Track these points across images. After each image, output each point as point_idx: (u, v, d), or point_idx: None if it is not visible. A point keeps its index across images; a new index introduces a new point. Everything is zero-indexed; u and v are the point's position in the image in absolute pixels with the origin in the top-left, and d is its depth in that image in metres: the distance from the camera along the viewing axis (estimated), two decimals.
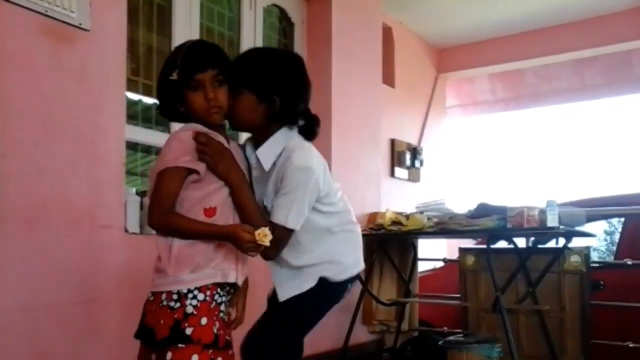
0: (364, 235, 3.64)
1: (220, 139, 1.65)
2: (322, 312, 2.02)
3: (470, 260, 3.71)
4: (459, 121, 6.33)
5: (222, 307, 1.63)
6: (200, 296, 1.56)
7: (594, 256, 3.78)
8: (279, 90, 1.76)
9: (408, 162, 5.01)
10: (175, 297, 1.55)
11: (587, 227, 3.19)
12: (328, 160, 3.83)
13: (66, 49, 2.25)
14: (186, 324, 1.52)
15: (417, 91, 5.35)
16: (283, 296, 1.91)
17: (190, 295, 1.55)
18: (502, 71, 5.76)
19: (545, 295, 3.39)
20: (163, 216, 1.57)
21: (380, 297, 3.85)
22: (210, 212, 1.60)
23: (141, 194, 2.83)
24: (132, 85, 2.87)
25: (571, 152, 6.04)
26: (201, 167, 1.58)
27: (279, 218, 1.73)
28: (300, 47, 3.99)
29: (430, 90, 5.58)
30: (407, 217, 3.47)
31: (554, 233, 3.05)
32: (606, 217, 3.72)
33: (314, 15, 4.02)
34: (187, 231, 1.56)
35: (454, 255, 4.03)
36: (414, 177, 5.11)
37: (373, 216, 4.04)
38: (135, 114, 2.98)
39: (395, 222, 3.46)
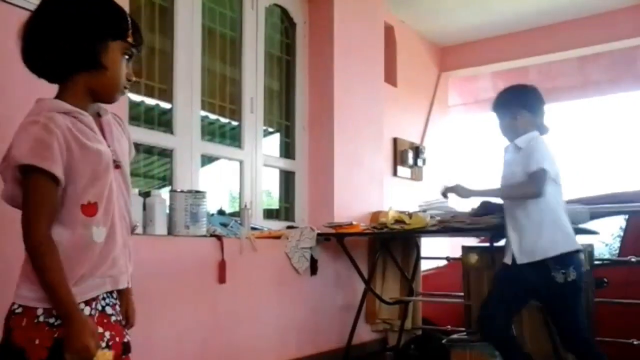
0: (366, 234, 3.69)
1: (89, 119, 1.32)
2: None
3: (473, 258, 3.70)
4: (462, 119, 6.32)
5: (113, 311, 1.40)
6: (87, 310, 1.31)
7: (606, 252, 3.78)
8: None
9: (411, 161, 5.01)
10: (54, 312, 1.27)
11: (600, 223, 3.20)
12: (330, 160, 3.91)
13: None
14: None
15: (419, 90, 5.35)
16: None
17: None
18: (505, 69, 5.75)
19: None
20: (40, 232, 1.26)
21: (384, 296, 3.86)
22: (88, 209, 1.30)
23: (144, 194, 2.84)
24: (134, 86, 2.88)
25: (575, 150, 6.02)
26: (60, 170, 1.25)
27: (537, 164, 2.55)
28: (302, 47, 4.00)
29: (432, 88, 5.58)
30: (410, 215, 3.47)
31: None
32: (610, 214, 3.70)
33: (315, 14, 4.03)
34: (44, 273, 1.25)
35: (457, 253, 4.03)
36: (416, 175, 5.11)
37: (376, 215, 4.04)
38: (138, 115, 2.99)
39: (398, 221, 3.47)
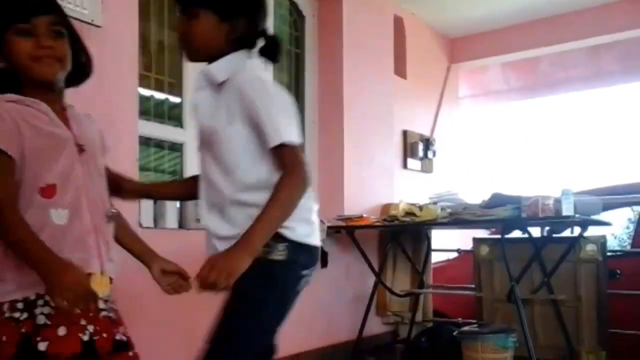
0: (377, 227, 3.68)
1: (44, 107, 1.29)
2: None
3: (484, 250, 3.70)
4: (472, 111, 6.28)
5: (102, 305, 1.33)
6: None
7: (615, 244, 3.75)
8: (243, 7, 1.52)
9: (421, 153, 4.99)
10: (20, 306, 1.22)
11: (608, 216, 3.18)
12: (340, 152, 3.89)
13: None
14: (38, 338, 1.20)
15: (429, 82, 5.32)
16: None
17: (40, 302, 1.23)
18: (515, 60, 5.70)
19: (560, 285, 3.37)
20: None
21: (394, 289, 3.86)
22: (52, 190, 1.26)
23: None
24: (143, 81, 2.89)
25: (587, 140, 5.97)
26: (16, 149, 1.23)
27: (280, 138, 1.41)
28: (311, 39, 3.99)
29: (442, 80, 5.54)
30: (421, 208, 3.46)
31: (569, 222, 3.04)
32: (623, 205, 3.67)
33: (324, 7, 4.01)
34: (9, 228, 1.19)
35: (468, 245, 4.02)
36: (426, 168, 5.09)
37: (386, 208, 4.04)
38: (148, 110, 3.00)
39: (408, 213, 3.46)
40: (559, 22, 5.12)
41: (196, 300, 1.64)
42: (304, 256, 1.54)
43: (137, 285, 1.80)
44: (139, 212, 2.58)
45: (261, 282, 1.46)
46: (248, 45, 1.54)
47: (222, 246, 1.52)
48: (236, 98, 1.45)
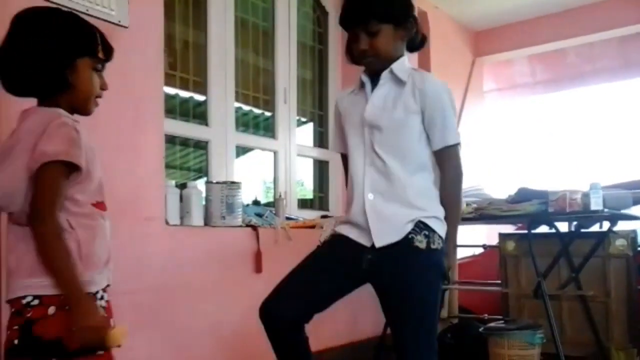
0: None
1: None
2: None
3: (510, 245, 3.66)
4: (497, 105, 6.21)
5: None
6: (106, 297, 1.39)
7: None
8: (408, 11, 1.76)
9: None
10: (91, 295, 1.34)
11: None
12: None
13: None
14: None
15: (453, 76, 5.27)
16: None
17: (99, 296, 1.37)
18: (542, 52, 5.60)
19: (589, 281, 3.32)
20: (52, 217, 1.27)
21: None
22: (102, 206, 1.42)
23: (180, 186, 2.89)
24: (169, 80, 2.93)
25: (616, 133, 5.84)
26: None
27: (452, 139, 1.72)
28: (334, 36, 3.99)
29: (466, 74, 5.48)
30: None
31: (598, 217, 2.99)
32: None
33: None
34: (56, 258, 1.26)
35: (493, 241, 3.98)
36: None
37: None
38: (173, 108, 3.03)
39: None
40: (586, 13, 5.02)
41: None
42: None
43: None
44: (165, 210, 2.62)
45: (435, 271, 1.69)
46: (416, 43, 1.79)
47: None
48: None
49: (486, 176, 5.48)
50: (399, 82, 1.71)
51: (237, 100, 3.32)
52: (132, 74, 2.41)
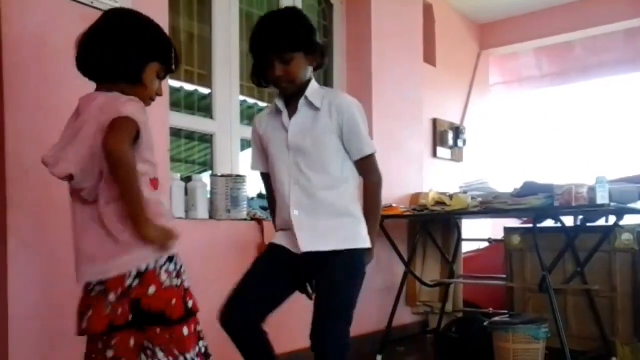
0: (406, 217, 3.66)
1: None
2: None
3: (516, 240, 3.65)
4: (503, 99, 6.18)
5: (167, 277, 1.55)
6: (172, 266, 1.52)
7: None
8: (316, 38, 1.88)
9: (451, 142, 4.93)
10: (175, 273, 1.51)
11: None
12: None
13: None
14: (188, 297, 1.53)
15: (459, 69, 5.25)
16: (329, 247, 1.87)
17: (183, 269, 1.55)
18: (548, 45, 5.57)
19: (594, 275, 3.31)
20: (127, 149, 1.38)
21: (424, 279, 3.84)
22: (155, 182, 1.52)
23: (185, 179, 2.89)
24: (174, 73, 2.91)
25: (622, 127, 5.81)
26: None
27: (369, 149, 1.93)
28: (339, 28, 3.97)
29: (472, 67, 5.46)
30: (451, 197, 3.43)
31: (604, 211, 2.97)
32: None
33: None
34: (134, 186, 1.40)
35: (499, 235, 3.97)
36: (456, 157, 5.04)
37: (416, 197, 4.01)
38: (178, 101, 3.03)
39: (438, 203, 3.43)
40: (592, 5, 4.99)
41: None
42: None
43: None
44: (170, 203, 2.62)
45: (357, 268, 1.94)
46: (322, 65, 1.94)
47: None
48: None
49: (491, 170, 5.47)
50: (313, 107, 1.89)
51: (242, 93, 3.31)
52: None
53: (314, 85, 1.92)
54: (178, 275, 1.51)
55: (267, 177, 2.06)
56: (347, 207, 1.91)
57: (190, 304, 1.52)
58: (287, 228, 1.93)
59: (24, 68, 2.08)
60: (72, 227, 1.54)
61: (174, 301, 1.47)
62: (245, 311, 1.91)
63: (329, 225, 1.89)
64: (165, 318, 1.45)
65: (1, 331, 2.02)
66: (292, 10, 2.07)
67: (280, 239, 1.97)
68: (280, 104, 1.94)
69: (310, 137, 1.88)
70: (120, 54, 1.49)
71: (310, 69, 1.91)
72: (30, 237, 2.06)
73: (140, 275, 1.44)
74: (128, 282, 1.43)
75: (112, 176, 1.39)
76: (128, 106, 1.42)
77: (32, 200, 2.06)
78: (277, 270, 1.96)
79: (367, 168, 1.96)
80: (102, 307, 1.44)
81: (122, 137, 1.36)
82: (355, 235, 1.91)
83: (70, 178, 1.45)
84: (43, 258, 2.09)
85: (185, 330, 1.49)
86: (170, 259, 1.50)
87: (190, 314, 1.52)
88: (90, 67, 1.52)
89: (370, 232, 1.95)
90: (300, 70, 1.86)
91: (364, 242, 1.93)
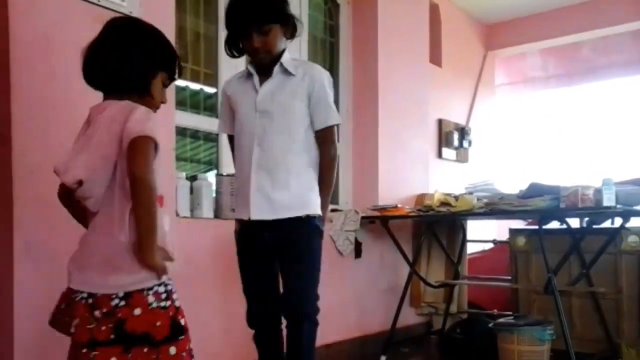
0: (412, 217, 3.66)
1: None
2: None
3: (521, 241, 3.64)
4: (509, 100, 6.16)
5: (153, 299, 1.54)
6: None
7: None
8: (289, 10, 1.97)
9: (456, 143, 4.92)
10: (164, 295, 1.48)
11: None
12: (375, 142, 3.88)
13: None
14: (179, 316, 1.50)
15: (464, 70, 5.24)
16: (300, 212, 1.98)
17: (174, 289, 1.52)
18: (555, 46, 5.55)
19: (600, 277, 3.30)
20: (151, 175, 1.40)
21: (429, 279, 3.83)
22: (161, 200, 1.53)
23: (191, 178, 2.89)
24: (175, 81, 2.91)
25: (629, 128, 5.78)
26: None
27: (333, 120, 2.01)
28: (345, 27, 3.96)
29: (478, 68, 5.44)
30: (456, 198, 3.42)
31: (610, 213, 2.95)
32: None
33: None
34: (152, 212, 1.41)
35: (504, 236, 3.96)
36: (462, 157, 5.03)
37: (421, 197, 4.01)
38: (184, 100, 3.03)
39: (444, 203, 3.43)
40: (600, 6, 4.96)
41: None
42: None
43: None
44: (175, 202, 2.63)
45: (316, 232, 2.02)
46: (294, 34, 2.01)
47: None
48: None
49: (497, 171, 5.45)
50: (288, 73, 1.97)
51: None
52: None
53: (287, 54, 2.00)
54: (168, 298, 1.49)
55: (232, 140, 2.12)
56: (304, 173, 1.98)
57: (182, 322, 1.50)
58: (245, 199, 1.99)
59: (31, 67, 2.08)
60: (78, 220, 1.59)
61: (158, 323, 1.44)
62: (269, 305, 2.06)
63: (283, 192, 1.95)
64: (150, 339, 1.43)
65: (6, 329, 2.03)
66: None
67: (240, 212, 2.05)
68: (252, 69, 2.02)
69: (278, 101, 1.95)
70: (130, 67, 1.50)
71: (284, 40, 1.99)
72: (36, 235, 2.07)
73: (127, 296, 1.43)
74: (114, 302, 1.42)
75: (133, 199, 1.41)
76: (147, 123, 1.42)
77: (37, 199, 2.06)
78: (256, 255, 2.06)
79: (327, 138, 2.02)
80: (87, 319, 1.43)
81: (147, 160, 1.40)
82: (308, 203, 1.98)
83: (79, 184, 1.44)
84: (48, 256, 2.09)
85: (173, 350, 1.46)
86: (160, 283, 1.49)
87: (179, 333, 1.49)
88: (99, 79, 1.53)
89: (322, 202, 2.03)
90: (276, 40, 1.93)
91: (317, 209, 2.01)
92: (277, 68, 1.97)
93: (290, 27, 1.98)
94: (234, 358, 2.73)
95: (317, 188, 2.03)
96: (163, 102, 1.63)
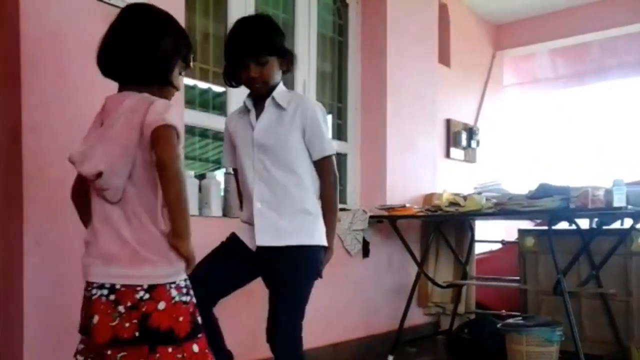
0: (420, 217, 3.65)
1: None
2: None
3: (529, 242, 3.63)
4: (517, 100, 6.13)
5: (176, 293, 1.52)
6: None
7: None
8: (285, 45, 2.02)
9: (464, 143, 4.91)
10: (184, 290, 1.46)
11: None
12: (383, 141, 3.86)
13: None
14: (196, 313, 1.48)
15: (473, 70, 5.22)
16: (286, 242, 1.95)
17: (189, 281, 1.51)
18: (564, 46, 5.52)
19: (610, 278, 3.28)
20: (179, 161, 1.40)
21: (436, 279, 3.82)
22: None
23: (199, 177, 2.90)
24: (188, 70, 2.92)
25: (639, 128, 5.74)
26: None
27: (329, 150, 2.02)
28: (354, 27, 3.96)
29: (487, 68, 5.42)
30: (465, 198, 3.41)
31: (621, 214, 2.94)
32: None
33: None
34: (184, 197, 1.41)
35: (512, 237, 3.94)
36: (470, 157, 5.01)
37: (429, 197, 4.00)
38: (192, 99, 3.04)
39: (452, 204, 3.41)
40: (609, 6, 4.93)
41: None
42: None
43: None
44: None
45: (311, 265, 2.00)
46: (290, 67, 2.06)
47: None
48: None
49: (504, 171, 5.43)
50: (280, 107, 2.00)
51: None
52: None
53: (281, 87, 2.04)
54: (187, 292, 1.47)
55: (237, 173, 2.15)
56: (307, 205, 1.99)
57: (199, 319, 1.48)
58: (250, 222, 2.01)
59: (41, 65, 2.09)
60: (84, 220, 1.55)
61: (181, 318, 1.42)
62: (201, 290, 1.87)
63: (288, 221, 1.96)
64: (173, 336, 1.40)
65: (16, 325, 2.04)
66: (267, 17, 2.19)
67: (241, 233, 2.06)
68: (249, 103, 2.05)
69: (274, 136, 1.98)
70: (156, 56, 1.48)
71: (280, 72, 2.03)
72: (46, 233, 2.08)
73: (151, 288, 1.39)
74: (139, 294, 1.39)
75: (164, 186, 1.39)
76: (169, 113, 1.40)
77: (47, 196, 2.07)
78: (237, 258, 2.04)
79: (325, 168, 2.05)
80: (109, 316, 1.39)
81: (173, 147, 1.38)
82: (313, 232, 1.98)
83: (98, 176, 1.41)
84: (57, 254, 2.10)
85: (196, 347, 1.44)
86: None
87: (199, 330, 1.47)
88: (120, 69, 1.50)
89: (328, 231, 2.04)
90: (273, 72, 1.98)
91: (320, 239, 2.00)
92: (268, 101, 2.00)
93: (286, 61, 2.03)
94: (241, 356, 2.73)
95: (319, 218, 2.03)
96: (178, 90, 1.61)
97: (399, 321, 3.52)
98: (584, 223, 3.21)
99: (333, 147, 2.07)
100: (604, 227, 3.14)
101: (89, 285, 1.45)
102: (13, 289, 2.06)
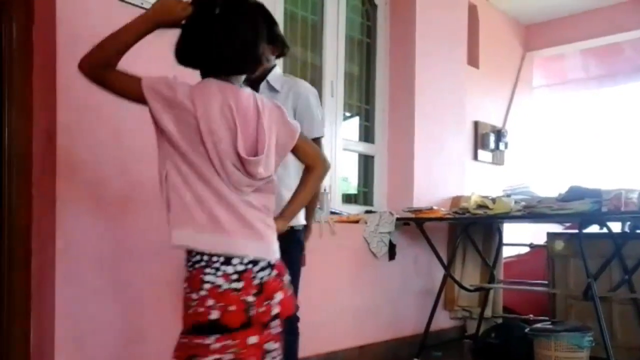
0: (448, 220, 3.62)
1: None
2: None
3: (559, 245, 3.57)
4: (546, 101, 6.04)
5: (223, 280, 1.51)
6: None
7: None
8: (278, 30, 2.05)
9: (492, 145, 4.86)
10: (234, 277, 1.42)
11: None
12: (410, 144, 3.85)
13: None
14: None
15: (502, 71, 5.16)
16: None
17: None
18: (595, 46, 5.42)
19: None
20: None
21: (463, 283, 3.79)
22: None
23: None
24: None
25: None
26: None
27: (317, 132, 2.06)
28: (383, 28, 3.95)
29: (516, 69, 5.36)
30: (494, 200, 3.38)
31: None
32: None
33: None
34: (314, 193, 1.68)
35: (540, 240, 3.89)
36: (498, 160, 4.95)
37: (457, 200, 3.97)
38: None
39: (480, 206, 3.39)
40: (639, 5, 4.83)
41: None
42: None
43: None
44: None
45: (297, 245, 2.12)
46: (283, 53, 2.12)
47: None
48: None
49: (533, 174, 5.36)
50: (273, 90, 2.06)
51: None
52: (165, 64, 2.45)
53: (276, 71, 2.10)
54: (239, 278, 1.45)
55: None
56: (293, 185, 1.97)
57: (253, 311, 1.44)
58: None
59: (76, 69, 2.14)
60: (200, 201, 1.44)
61: (233, 307, 1.39)
62: None
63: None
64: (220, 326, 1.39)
65: (48, 325, 2.09)
66: (258, 4, 2.20)
67: None
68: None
69: None
70: (258, 45, 1.49)
71: (273, 57, 2.08)
72: (78, 234, 2.12)
73: (272, 266, 1.47)
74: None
75: (315, 181, 1.67)
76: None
77: (80, 197, 2.11)
78: None
79: None
80: (285, 288, 1.48)
81: (322, 161, 1.65)
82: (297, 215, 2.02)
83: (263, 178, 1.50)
84: (87, 256, 2.14)
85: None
86: None
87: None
88: (222, 59, 1.46)
89: (307, 212, 2.11)
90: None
91: (302, 219, 2.08)
92: (263, 85, 2.05)
93: (278, 47, 2.07)
94: None
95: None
96: None
97: (425, 324, 3.51)
98: (616, 226, 3.15)
99: (322, 130, 2.12)
100: (638, 231, 3.08)
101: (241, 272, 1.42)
102: (44, 289, 2.10)
